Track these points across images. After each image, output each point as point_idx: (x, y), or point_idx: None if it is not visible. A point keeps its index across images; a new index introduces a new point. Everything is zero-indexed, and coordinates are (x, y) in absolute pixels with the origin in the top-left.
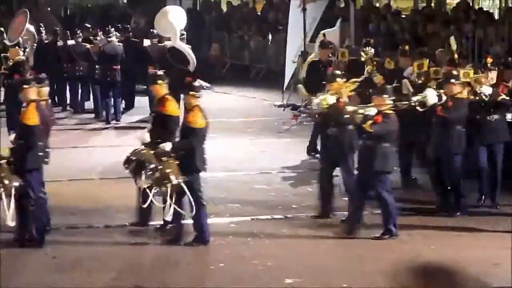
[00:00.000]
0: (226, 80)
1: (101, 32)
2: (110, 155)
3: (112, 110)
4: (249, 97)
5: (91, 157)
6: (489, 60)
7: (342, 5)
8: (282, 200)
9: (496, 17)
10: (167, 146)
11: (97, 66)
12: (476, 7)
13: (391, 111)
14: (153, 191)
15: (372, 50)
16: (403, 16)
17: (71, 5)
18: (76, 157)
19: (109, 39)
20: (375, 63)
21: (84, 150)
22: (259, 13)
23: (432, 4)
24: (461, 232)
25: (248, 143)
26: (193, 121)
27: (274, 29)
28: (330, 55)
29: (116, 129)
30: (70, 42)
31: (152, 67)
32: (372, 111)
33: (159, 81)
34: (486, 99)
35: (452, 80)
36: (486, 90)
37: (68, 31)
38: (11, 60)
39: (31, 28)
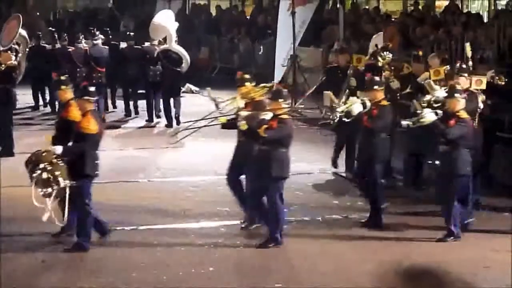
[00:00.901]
0: (215, 83)
1: (82, 36)
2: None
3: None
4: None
5: None
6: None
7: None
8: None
9: (485, 19)
10: (58, 149)
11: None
12: (465, 10)
13: (287, 116)
14: (40, 192)
15: (390, 55)
16: (393, 19)
17: (60, 9)
18: None
19: (94, 42)
20: (392, 68)
21: None
22: (248, 17)
23: (420, 7)
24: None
25: None
26: (86, 127)
27: (264, 32)
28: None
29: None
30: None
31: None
32: (267, 115)
33: (63, 87)
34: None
35: (375, 87)
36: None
37: (55, 35)
38: (3, 65)
39: (24, 32)
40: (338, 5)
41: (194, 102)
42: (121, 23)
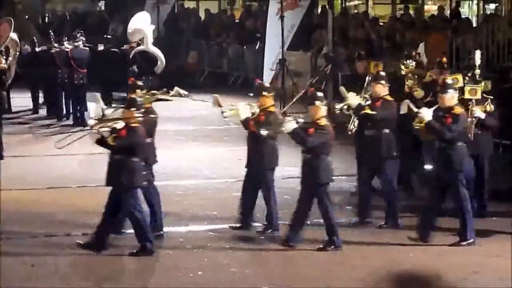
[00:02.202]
0: (204, 87)
1: (66, 38)
2: (86, 163)
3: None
4: (227, 104)
5: (68, 164)
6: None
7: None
8: (259, 208)
9: (474, 24)
10: None
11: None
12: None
13: (138, 125)
14: None
15: (413, 63)
16: (381, 23)
17: (49, 12)
18: (53, 165)
19: (76, 44)
20: (416, 77)
21: (62, 158)
22: (237, 21)
23: (411, 11)
24: (439, 239)
25: (226, 151)
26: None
27: (252, 36)
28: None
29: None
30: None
31: None
32: (119, 124)
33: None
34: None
35: (264, 93)
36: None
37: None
38: None
39: (15, 36)
40: (327, 10)
41: (183, 106)
42: (110, 26)
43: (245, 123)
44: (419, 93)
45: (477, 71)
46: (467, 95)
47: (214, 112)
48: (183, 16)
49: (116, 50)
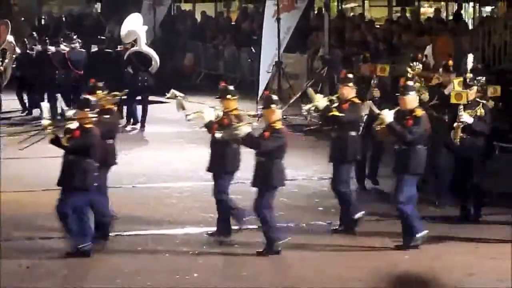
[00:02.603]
0: (200, 89)
1: (61, 39)
2: None
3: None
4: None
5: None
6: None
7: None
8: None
9: (470, 26)
10: None
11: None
12: (450, 17)
13: (91, 126)
14: None
15: (420, 66)
16: (378, 26)
17: (45, 14)
18: (50, 167)
19: (72, 46)
20: (422, 79)
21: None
22: (233, 23)
23: (408, 14)
24: (436, 241)
25: None
26: None
27: (249, 39)
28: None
29: None
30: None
31: None
32: (73, 125)
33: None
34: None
35: (228, 96)
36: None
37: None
38: None
39: (11, 38)
40: (323, 12)
41: None
42: (106, 28)
43: (209, 126)
44: (425, 96)
45: (469, 75)
46: (452, 100)
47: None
48: (180, 18)
49: (110, 50)
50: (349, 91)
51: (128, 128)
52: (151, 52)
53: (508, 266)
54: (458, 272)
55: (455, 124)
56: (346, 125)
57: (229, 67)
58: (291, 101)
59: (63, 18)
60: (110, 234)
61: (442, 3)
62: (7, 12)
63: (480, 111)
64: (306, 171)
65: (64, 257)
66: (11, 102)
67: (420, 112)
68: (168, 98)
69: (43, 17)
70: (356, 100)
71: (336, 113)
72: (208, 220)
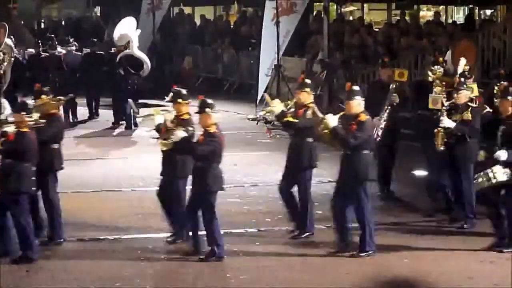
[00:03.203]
0: (199, 93)
1: (57, 43)
2: (80, 168)
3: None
4: (222, 110)
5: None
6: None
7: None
8: (255, 214)
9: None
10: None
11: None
12: (450, 20)
13: (27, 130)
14: None
15: (441, 69)
16: (377, 29)
17: (44, 18)
18: None
19: (69, 49)
20: (444, 83)
21: None
22: (232, 26)
23: (407, 18)
24: (434, 246)
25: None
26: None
27: (247, 42)
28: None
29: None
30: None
31: None
32: (10, 128)
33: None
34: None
35: (179, 100)
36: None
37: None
38: None
39: (9, 41)
40: (322, 15)
41: None
42: (105, 32)
43: (158, 130)
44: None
45: (457, 79)
46: (430, 105)
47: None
48: (179, 22)
49: (102, 53)
50: (306, 97)
51: (117, 130)
52: (143, 56)
53: (507, 270)
54: (457, 276)
55: (435, 130)
56: (303, 131)
57: (228, 71)
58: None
59: (62, 22)
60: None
61: (442, 7)
62: (6, 16)
63: (467, 115)
64: None
65: (63, 261)
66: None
67: (364, 117)
68: (167, 101)
69: (43, 20)
70: (312, 105)
71: (291, 119)
72: None
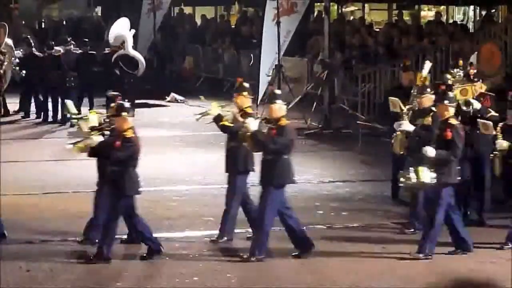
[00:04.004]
0: (200, 93)
1: (52, 43)
2: (81, 168)
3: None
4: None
5: (63, 170)
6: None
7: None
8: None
9: (471, 30)
10: None
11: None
12: (450, 20)
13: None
14: None
15: (461, 73)
16: (377, 29)
17: (45, 18)
18: (48, 170)
19: (67, 48)
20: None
21: (56, 163)
22: (233, 26)
23: (407, 18)
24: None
25: (221, 157)
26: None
27: (248, 42)
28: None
29: None
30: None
31: None
32: (96, 135)
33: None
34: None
35: (112, 104)
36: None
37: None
38: None
39: (10, 41)
40: (323, 15)
41: (179, 112)
42: (106, 32)
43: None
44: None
45: (427, 83)
46: (391, 108)
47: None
48: (179, 22)
49: (94, 52)
50: (244, 101)
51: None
52: (138, 56)
53: (508, 270)
54: (457, 276)
55: (394, 134)
56: (239, 136)
57: (228, 71)
58: (291, 105)
59: (64, 22)
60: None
61: (443, 7)
62: (7, 16)
63: (427, 120)
64: (306, 175)
65: (64, 261)
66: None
67: (285, 121)
68: (167, 101)
69: (43, 20)
70: (250, 111)
71: (226, 123)
72: (207, 223)
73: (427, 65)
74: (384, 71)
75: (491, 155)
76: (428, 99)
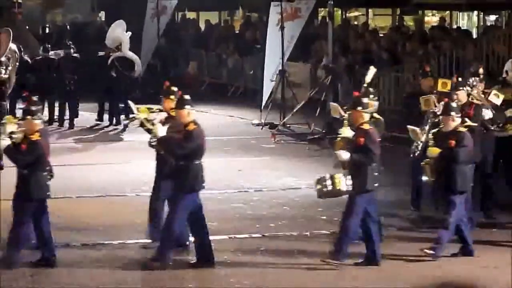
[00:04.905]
0: (204, 98)
1: (49, 46)
2: (85, 173)
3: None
4: (226, 115)
5: (66, 175)
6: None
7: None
8: (259, 219)
9: (474, 35)
10: None
11: None
12: (454, 26)
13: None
14: None
15: (476, 81)
16: (382, 34)
17: (49, 23)
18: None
19: (67, 52)
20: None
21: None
22: (237, 31)
23: (411, 23)
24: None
25: (225, 162)
26: None
27: (252, 47)
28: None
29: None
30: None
31: None
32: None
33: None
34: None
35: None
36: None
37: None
38: None
39: (14, 46)
40: (327, 20)
41: None
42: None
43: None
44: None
45: (370, 90)
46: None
47: (214, 124)
48: (183, 26)
49: (77, 55)
50: (171, 104)
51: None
52: (134, 57)
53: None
54: (461, 281)
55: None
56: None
57: (232, 76)
58: (295, 110)
59: (68, 27)
60: None
61: (447, 12)
62: (11, 21)
63: (366, 125)
64: (309, 180)
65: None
66: None
67: (192, 126)
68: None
69: (47, 25)
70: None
71: (150, 127)
72: (211, 229)
73: (371, 71)
74: (387, 76)
75: (422, 162)
76: (372, 105)
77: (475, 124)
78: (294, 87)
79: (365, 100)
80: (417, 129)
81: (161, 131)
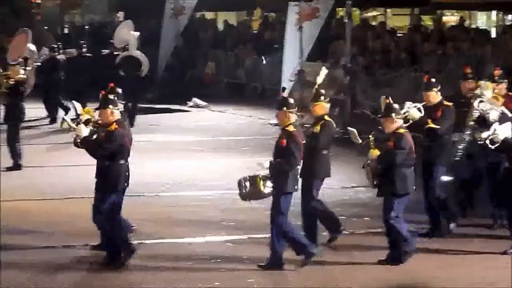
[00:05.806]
0: (222, 98)
1: (56, 46)
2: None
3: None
4: (244, 115)
5: (68, 175)
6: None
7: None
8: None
9: (493, 35)
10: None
11: None
12: (473, 26)
13: None
14: None
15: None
16: (400, 34)
17: (67, 23)
18: (52, 175)
19: (78, 51)
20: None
21: (60, 168)
22: (255, 32)
23: (430, 22)
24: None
25: (243, 162)
26: None
27: (270, 47)
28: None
29: None
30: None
31: None
32: None
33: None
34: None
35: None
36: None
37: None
38: (11, 80)
39: (32, 47)
40: (345, 20)
41: (201, 117)
42: None
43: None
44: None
45: (321, 91)
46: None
47: (232, 123)
48: (201, 27)
49: (89, 55)
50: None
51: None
52: (141, 57)
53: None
54: (462, 282)
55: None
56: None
57: (250, 76)
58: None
59: (86, 27)
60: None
61: (466, 11)
62: (29, 21)
63: (316, 128)
64: (327, 180)
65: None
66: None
67: (114, 126)
68: (190, 106)
69: (65, 26)
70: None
71: (74, 127)
72: (229, 228)
73: (323, 71)
74: (406, 76)
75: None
76: (321, 107)
77: (437, 127)
78: (311, 87)
79: (291, 100)
80: (355, 131)
81: (85, 131)
